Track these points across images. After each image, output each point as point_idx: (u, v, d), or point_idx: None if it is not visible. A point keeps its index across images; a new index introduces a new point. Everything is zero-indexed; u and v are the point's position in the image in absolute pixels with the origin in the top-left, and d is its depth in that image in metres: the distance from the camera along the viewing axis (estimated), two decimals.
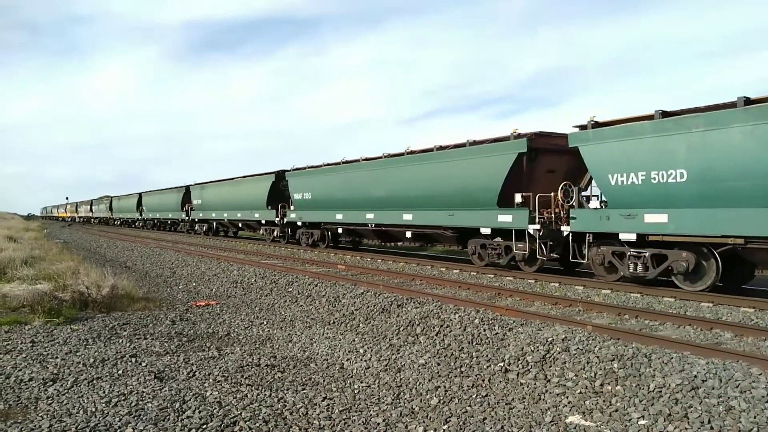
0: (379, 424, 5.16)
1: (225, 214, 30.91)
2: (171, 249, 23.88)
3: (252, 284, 13.72)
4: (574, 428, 5.00)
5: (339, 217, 20.14)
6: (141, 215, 49.21)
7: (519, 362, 6.65)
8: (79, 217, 76.89)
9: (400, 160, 17.37)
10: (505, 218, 13.46)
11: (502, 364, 6.70)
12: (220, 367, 6.78)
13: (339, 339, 8.51)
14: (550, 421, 5.21)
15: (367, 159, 19.17)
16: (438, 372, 6.76)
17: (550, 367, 6.42)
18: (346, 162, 20.39)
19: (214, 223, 34.16)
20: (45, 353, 7.15)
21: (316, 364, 7.19)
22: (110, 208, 60.38)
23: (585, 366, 6.20)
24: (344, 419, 5.23)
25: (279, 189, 25.44)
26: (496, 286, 11.77)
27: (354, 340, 8.37)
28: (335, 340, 8.47)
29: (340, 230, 21.04)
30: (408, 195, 16.82)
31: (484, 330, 7.76)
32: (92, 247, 29.17)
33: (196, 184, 36.22)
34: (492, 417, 5.37)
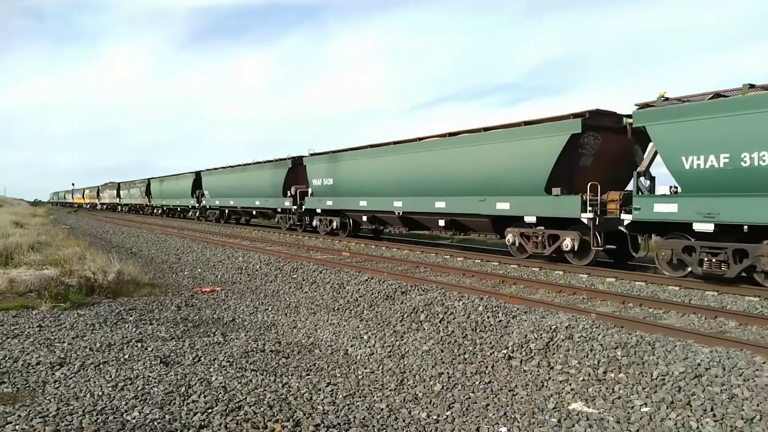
0: (382, 409, 5.20)
1: (238, 201, 29.78)
2: (176, 235, 23.97)
3: (257, 271, 13.78)
4: (577, 415, 5.02)
5: (363, 204, 19.16)
6: (150, 202, 47.95)
7: (522, 349, 6.67)
8: (102, 204, 69.19)
9: (430, 144, 16.40)
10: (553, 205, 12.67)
11: (505, 351, 6.72)
12: (225, 353, 6.83)
13: (343, 325, 8.55)
14: (553, 408, 5.23)
15: (396, 142, 18.09)
16: (441, 358, 6.79)
17: (554, 354, 6.44)
18: (373, 145, 19.21)
19: (226, 210, 32.67)
20: (52, 338, 7.22)
21: (320, 350, 7.24)
22: (118, 194, 58.28)
23: (588, 353, 6.21)
24: (348, 404, 5.27)
25: (296, 175, 24.41)
26: (500, 274, 11.78)
27: (358, 327, 8.41)
28: (339, 326, 8.51)
29: (364, 218, 19.80)
30: (442, 180, 15.75)
31: (488, 317, 7.78)
32: (98, 233, 29.31)
33: (207, 170, 34.92)
34: (495, 403, 5.39)
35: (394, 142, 18.21)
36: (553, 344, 6.62)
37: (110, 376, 5.77)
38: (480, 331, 7.49)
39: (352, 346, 7.44)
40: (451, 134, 15.93)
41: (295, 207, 23.93)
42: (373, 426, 4.81)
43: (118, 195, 58.82)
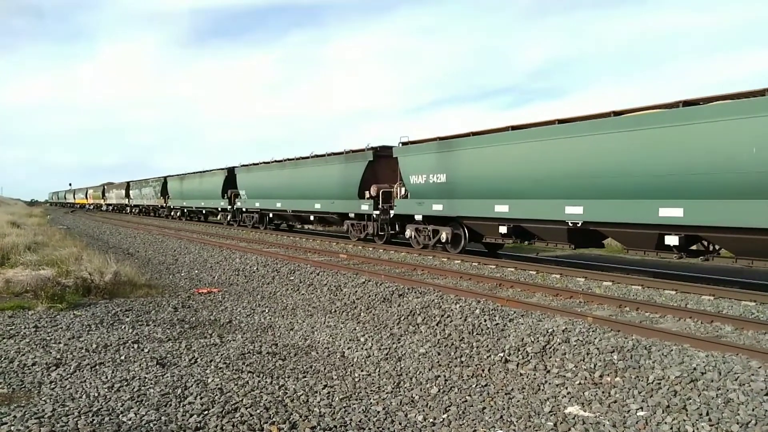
0: (379, 412, 5.20)
1: (288, 204, 24.25)
2: (173, 236, 23.93)
3: (254, 272, 13.76)
4: (573, 419, 5.03)
5: (502, 209, 14.01)
6: (166, 203, 42.30)
7: (519, 353, 6.67)
8: (108, 205, 63.21)
9: (642, 120, 10.68)
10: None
11: (502, 355, 6.73)
12: (221, 354, 6.82)
13: (340, 327, 8.55)
14: (549, 411, 5.24)
15: (568, 120, 12.53)
16: (438, 361, 6.79)
17: (550, 358, 6.44)
18: (517, 127, 13.64)
19: (270, 214, 27.03)
20: (48, 338, 7.20)
21: (317, 352, 7.23)
22: (127, 195, 52.97)
23: (585, 357, 6.22)
24: (344, 407, 5.27)
25: (375, 172, 19.23)
26: (498, 277, 11.79)
27: (355, 329, 8.41)
28: (336, 328, 8.51)
29: (502, 229, 14.27)
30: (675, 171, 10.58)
31: (485, 320, 7.79)
32: (95, 233, 29.26)
33: (243, 166, 29.28)
34: (491, 406, 5.40)
35: (560, 121, 12.56)
36: (549, 348, 6.63)
37: (106, 377, 5.76)
38: (477, 334, 7.50)
39: (348, 348, 7.44)
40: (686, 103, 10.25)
41: (377, 212, 18.59)
42: (370, 429, 4.81)
43: (128, 195, 53.74)
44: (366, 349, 7.34)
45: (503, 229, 14.18)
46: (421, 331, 8.05)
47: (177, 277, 13.86)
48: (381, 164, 19.12)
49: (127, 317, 8.68)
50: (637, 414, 4.98)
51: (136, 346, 7.06)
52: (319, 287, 11.44)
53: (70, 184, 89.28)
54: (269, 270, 13.70)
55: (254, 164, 28.19)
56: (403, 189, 17.70)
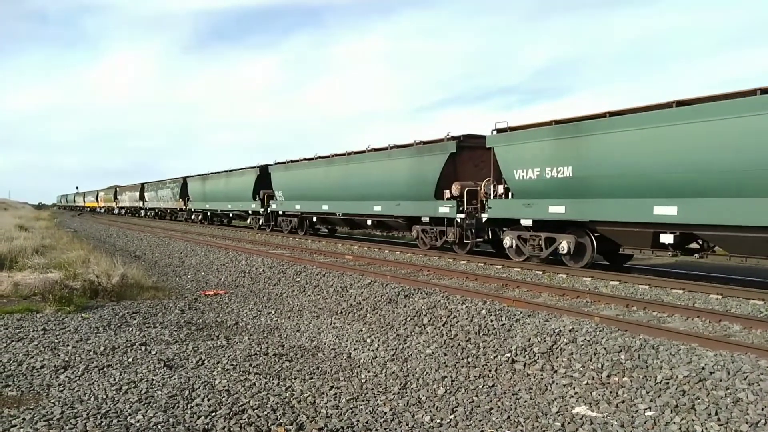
0: (386, 413, 5.19)
1: (338, 206, 21.00)
2: (180, 239, 24.02)
3: (260, 274, 13.79)
4: (581, 419, 5.02)
5: None
6: (185, 206, 39.38)
7: (526, 353, 6.66)
8: (121, 208, 60.38)
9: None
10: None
11: (508, 355, 6.71)
12: (228, 356, 6.84)
13: (346, 329, 8.55)
14: (557, 412, 5.22)
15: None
16: (445, 362, 6.78)
17: (557, 358, 6.42)
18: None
19: (314, 218, 23.53)
20: (56, 341, 7.24)
21: (323, 354, 7.24)
22: (142, 197, 50.16)
23: (592, 357, 6.20)
24: (351, 408, 5.27)
25: (456, 167, 15.84)
26: (504, 277, 11.77)
27: (361, 330, 8.41)
28: (343, 329, 8.51)
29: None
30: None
31: (491, 321, 7.77)
32: (102, 236, 29.40)
33: (279, 164, 26.09)
34: (498, 407, 5.39)
35: (762, 90, 9.20)
36: (556, 348, 6.61)
37: (114, 380, 5.79)
38: (483, 334, 7.49)
39: (355, 349, 7.44)
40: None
41: (461, 216, 15.13)
42: (377, 430, 4.81)
43: (142, 197, 50.90)
44: (372, 350, 7.34)
45: (667, 239, 10.79)
46: (428, 332, 8.04)
47: (183, 279, 13.91)
48: (464, 157, 15.81)
49: (135, 319, 8.72)
50: (646, 414, 4.96)
51: (143, 348, 7.09)
52: (325, 288, 11.45)
53: (77, 188, 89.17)
54: (275, 271, 13.73)
55: (293, 161, 24.63)
56: (500, 187, 14.20)
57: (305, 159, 23.64)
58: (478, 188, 15.13)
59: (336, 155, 21.44)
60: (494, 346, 7.06)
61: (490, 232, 15.23)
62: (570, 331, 6.90)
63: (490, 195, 14.55)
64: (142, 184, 51.60)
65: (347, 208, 20.49)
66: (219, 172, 33.90)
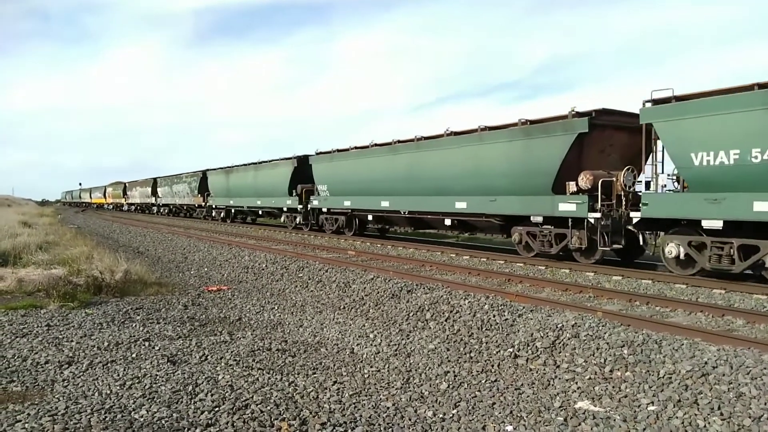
0: (388, 408, 5.21)
1: (400, 203, 17.74)
2: (182, 234, 24.06)
3: (263, 269, 13.82)
4: (583, 414, 5.02)
5: None
6: (205, 202, 36.29)
7: (528, 348, 6.66)
8: (131, 204, 57.53)
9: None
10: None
11: (511, 350, 6.72)
12: (231, 351, 6.86)
13: (349, 324, 8.57)
14: (559, 407, 5.23)
15: None
16: (447, 357, 6.79)
17: (560, 353, 6.43)
18: None
19: (369, 216, 19.86)
20: (60, 337, 7.27)
21: (326, 349, 7.26)
22: (154, 192, 47.21)
23: (595, 352, 6.20)
24: (354, 403, 5.29)
25: (581, 152, 12.40)
26: (506, 272, 11.76)
27: (364, 325, 8.43)
28: (345, 325, 8.53)
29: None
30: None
31: (494, 316, 7.78)
32: (105, 232, 29.47)
33: (320, 154, 22.66)
34: (501, 402, 5.40)
35: None
36: (559, 343, 6.61)
37: (118, 375, 5.81)
38: (486, 329, 7.49)
39: (358, 344, 7.46)
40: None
41: (595, 215, 11.71)
42: (380, 424, 4.82)
43: (154, 193, 48.04)
44: (375, 346, 7.36)
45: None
46: (430, 327, 8.05)
47: (186, 275, 13.95)
48: (593, 139, 12.31)
49: (138, 315, 8.75)
50: (648, 408, 4.96)
51: (147, 343, 7.12)
52: (327, 284, 11.46)
53: (80, 184, 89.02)
54: (278, 267, 13.75)
55: (339, 151, 21.34)
56: (658, 178, 11.13)
57: (356, 147, 20.42)
58: (614, 179, 11.97)
59: (399, 141, 18.00)
60: (497, 341, 7.07)
61: (641, 236, 11.87)
62: (573, 326, 6.90)
63: (627, 187, 11.90)
64: (155, 179, 48.62)
65: (415, 204, 17.09)
66: (246, 165, 30.28)
